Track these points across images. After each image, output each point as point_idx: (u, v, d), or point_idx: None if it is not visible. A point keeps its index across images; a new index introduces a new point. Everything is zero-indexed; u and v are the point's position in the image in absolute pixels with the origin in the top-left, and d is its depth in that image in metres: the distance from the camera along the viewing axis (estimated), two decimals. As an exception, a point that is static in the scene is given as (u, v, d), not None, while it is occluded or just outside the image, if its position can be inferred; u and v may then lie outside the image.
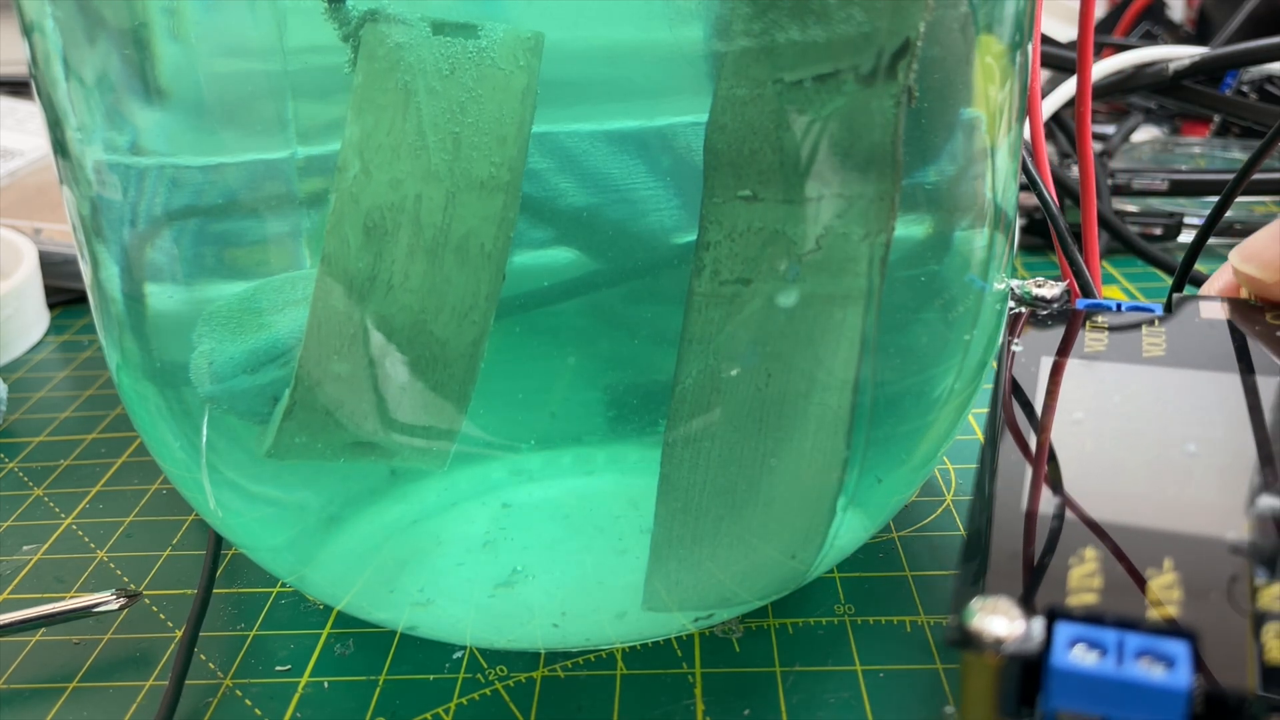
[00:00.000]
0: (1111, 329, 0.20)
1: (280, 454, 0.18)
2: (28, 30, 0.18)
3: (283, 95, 0.17)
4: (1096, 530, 0.15)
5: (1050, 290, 0.22)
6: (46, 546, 0.28)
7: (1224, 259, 0.43)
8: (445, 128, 0.16)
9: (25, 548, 0.28)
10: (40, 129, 0.49)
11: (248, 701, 0.22)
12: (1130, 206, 0.43)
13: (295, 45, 0.16)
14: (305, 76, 0.17)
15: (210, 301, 0.19)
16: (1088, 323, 0.21)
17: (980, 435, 0.30)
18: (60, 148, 0.19)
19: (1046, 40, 0.46)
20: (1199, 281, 0.37)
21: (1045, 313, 0.21)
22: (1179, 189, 0.41)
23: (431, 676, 0.22)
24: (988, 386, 0.27)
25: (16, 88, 0.60)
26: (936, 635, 0.22)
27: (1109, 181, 0.42)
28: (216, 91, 0.17)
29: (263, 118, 0.17)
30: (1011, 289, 0.22)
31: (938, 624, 0.23)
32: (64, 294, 0.44)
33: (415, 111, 0.15)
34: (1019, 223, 0.44)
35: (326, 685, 0.22)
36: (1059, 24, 0.55)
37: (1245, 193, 0.41)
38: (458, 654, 0.23)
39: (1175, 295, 0.22)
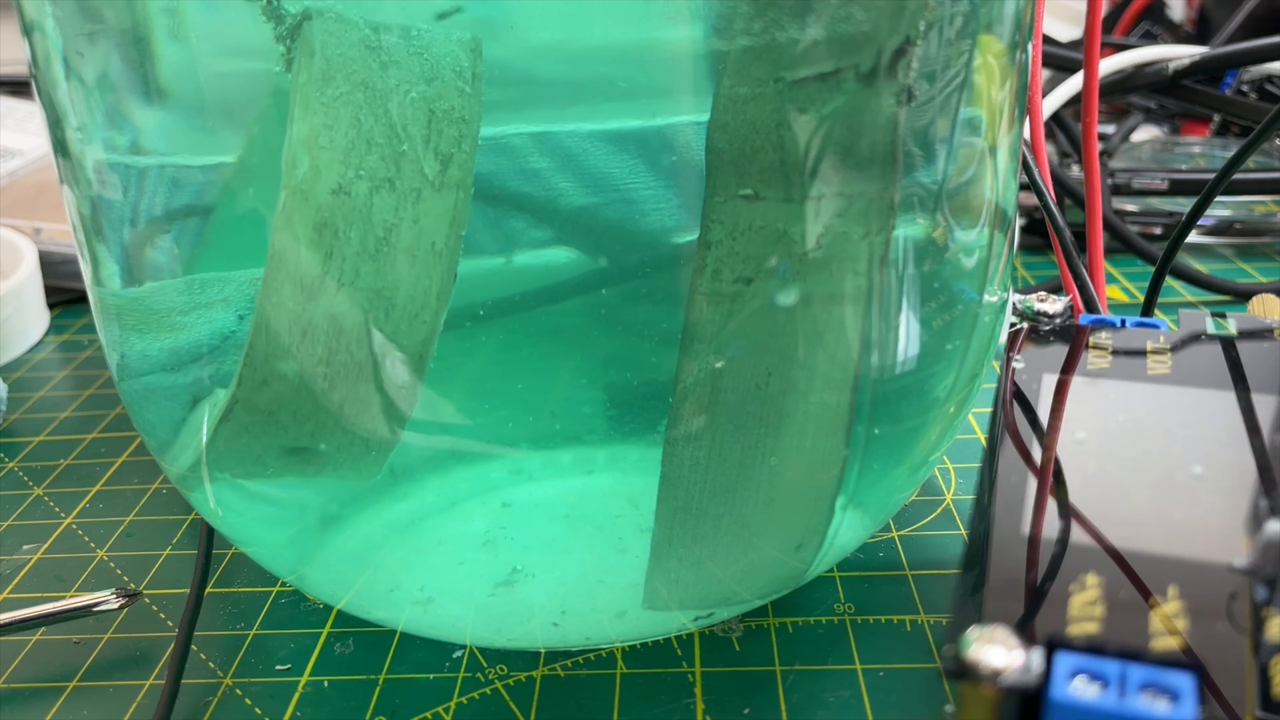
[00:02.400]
0: (1115, 346, 0.20)
1: (221, 447, 0.18)
2: (28, 30, 0.18)
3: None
4: (1099, 555, 0.14)
5: (1053, 305, 0.21)
6: (46, 546, 0.28)
7: (1225, 259, 0.43)
8: (393, 126, 0.16)
9: (25, 547, 0.28)
10: (40, 129, 0.49)
11: (248, 701, 0.22)
12: (1130, 206, 0.43)
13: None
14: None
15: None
16: (1091, 339, 0.20)
17: (981, 435, 0.30)
18: (60, 147, 0.19)
19: (1047, 40, 0.46)
20: (1187, 276, 0.37)
21: (1047, 328, 0.21)
22: (1179, 189, 0.41)
23: (431, 675, 0.22)
24: (989, 386, 0.27)
25: (16, 88, 0.60)
26: (936, 635, 0.22)
27: (1109, 181, 0.42)
28: (216, 91, 0.17)
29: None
30: (1013, 304, 0.21)
31: (938, 623, 0.23)
32: (64, 294, 0.44)
33: (362, 109, 0.15)
34: (1019, 222, 0.44)
35: (326, 684, 0.22)
36: (1059, 24, 0.55)
37: (1245, 192, 0.41)
38: (458, 653, 0.23)
39: (1183, 310, 0.22)
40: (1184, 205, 0.43)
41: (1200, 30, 0.58)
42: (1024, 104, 0.21)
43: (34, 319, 0.41)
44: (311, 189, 0.16)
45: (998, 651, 0.12)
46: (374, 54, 0.15)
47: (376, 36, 0.15)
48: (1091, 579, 0.14)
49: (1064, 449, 0.17)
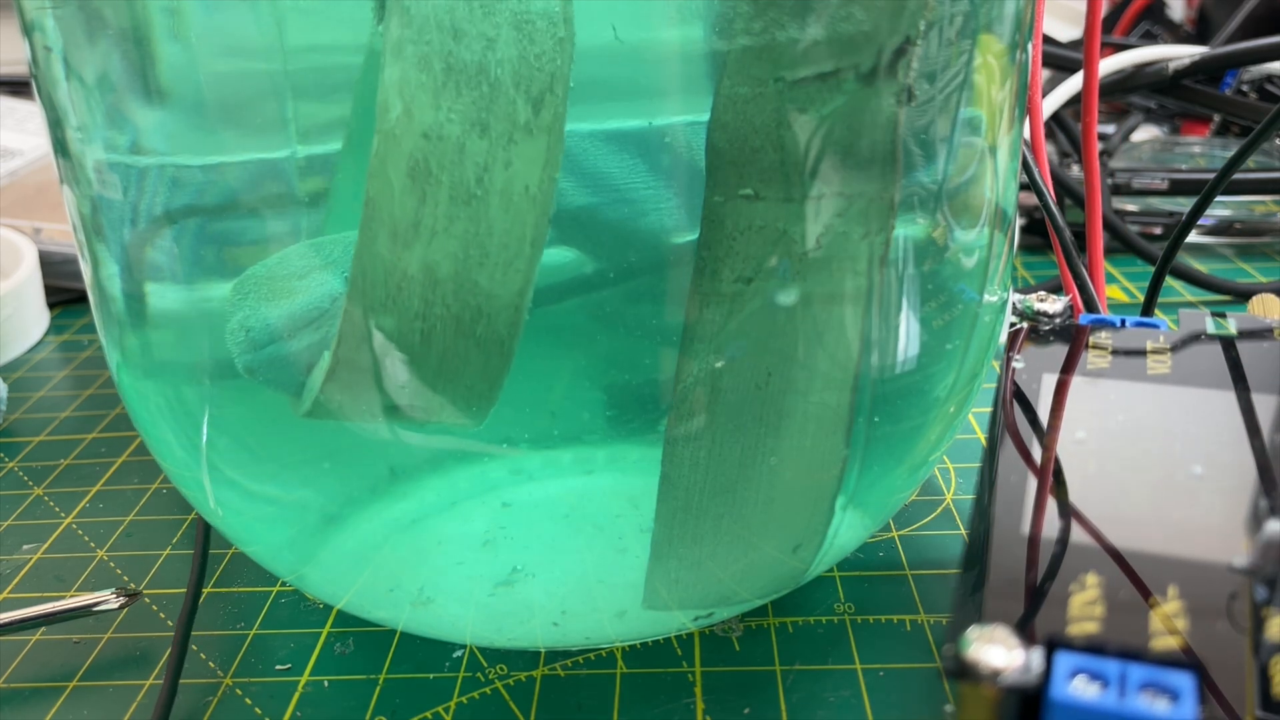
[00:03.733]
0: (1115, 346, 0.20)
1: (319, 414, 0.18)
2: (28, 30, 0.18)
3: (283, 95, 0.17)
4: (1099, 555, 0.14)
5: (1053, 305, 0.21)
6: (46, 546, 0.28)
7: (1226, 259, 0.43)
8: (484, 70, 0.15)
9: (25, 547, 0.28)
10: (40, 129, 0.49)
11: (248, 700, 0.22)
12: (1130, 206, 0.43)
13: (295, 45, 0.16)
14: (305, 76, 0.17)
15: (209, 299, 0.19)
16: (1091, 339, 0.20)
17: (981, 435, 0.30)
18: (60, 147, 0.19)
19: (1047, 40, 0.46)
20: (1187, 276, 0.37)
21: (1047, 328, 0.21)
22: (1179, 189, 0.41)
23: (431, 675, 0.22)
24: (988, 386, 0.27)
25: (16, 88, 0.60)
26: (936, 634, 0.22)
27: (1109, 181, 0.42)
28: (216, 91, 0.17)
29: (263, 117, 0.17)
30: (1013, 304, 0.21)
31: (938, 623, 0.23)
32: (64, 294, 0.44)
33: (453, 54, 0.15)
34: (1019, 222, 0.44)
35: (326, 684, 0.22)
36: (1059, 24, 0.55)
37: (1245, 192, 0.41)
38: (458, 653, 0.23)
39: (1182, 310, 0.22)
40: (1184, 205, 0.43)
41: (1200, 30, 0.58)
42: (1024, 104, 0.21)
43: (34, 319, 0.41)
44: (404, 132, 0.15)
45: (998, 651, 0.12)
46: (464, 1, 0.15)
47: None
48: (1091, 579, 0.14)
49: (1064, 449, 0.17)
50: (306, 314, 0.18)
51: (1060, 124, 0.45)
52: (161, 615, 0.25)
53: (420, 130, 0.15)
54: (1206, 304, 0.38)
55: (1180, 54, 0.41)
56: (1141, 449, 0.17)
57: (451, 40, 0.15)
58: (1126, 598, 0.13)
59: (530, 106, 0.16)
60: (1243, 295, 0.37)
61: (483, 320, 0.16)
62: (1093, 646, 0.13)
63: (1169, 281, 0.39)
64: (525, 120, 0.16)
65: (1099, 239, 0.26)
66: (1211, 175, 0.42)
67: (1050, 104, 0.41)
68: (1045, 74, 0.46)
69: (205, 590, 0.25)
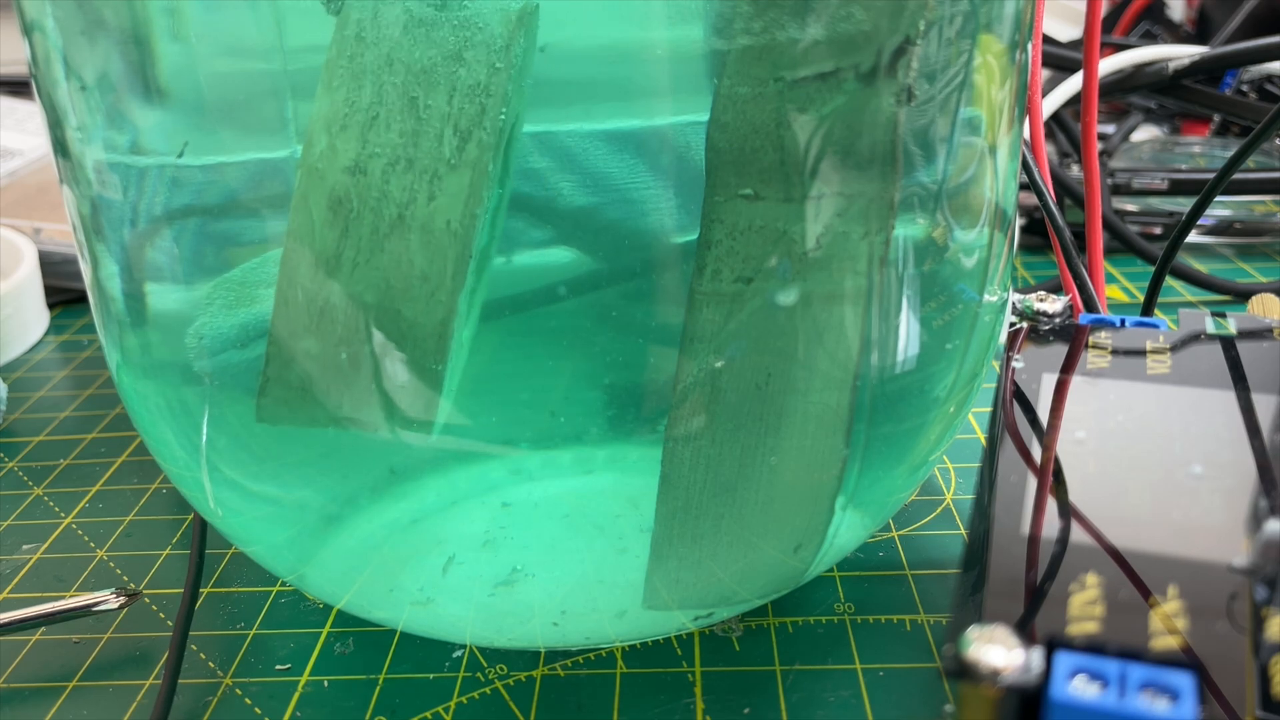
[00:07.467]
0: (1115, 345, 0.20)
1: (269, 420, 0.18)
2: (28, 30, 0.18)
3: (283, 95, 0.17)
4: (1099, 555, 0.14)
5: (1052, 305, 0.21)
6: (46, 546, 0.28)
7: (1226, 259, 0.43)
8: (414, 103, 0.15)
9: (25, 547, 0.28)
10: (40, 129, 0.49)
11: (247, 700, 0.22)
12: (1130, 206, 0.43)
13: (295, 45, 0.16)
14: (305, 76, 0.17)
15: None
16: (1091, 339, 0.20)
17: (981, 435, 0.30)
18: (60, 147, 0.19)
19: (1047, 40, 0.46)
20: (1187, 276, 0.37)
21: (1047, 328, 0.21)
22: (1179, 188, 0.41)
23: (431, 675, 0.22)
24: (988, 386, 0.27)
25: (16, 88, 0.60)
26: (936, 635, 0.22)
27: (1109, 181, 0.42)
28: (217, 91, 0.17)
29: (263, 117, 0.17)
30: (1013, 304, 0.21)
31: (938, 623, 0.23)
32: (64, 294, 0.44)
33: (383, 86, 0.15)
34: (1019, 222, 0.44)
35: (326, 684, 0.22)
36: (1059, 24, 0.55)
37: (1245, 192, 0.41)
38: (458, 653, 0.23)
39: (1182, 310, 0.22)
40: (1184, 205, 0.43)
41: (1200, 30, 0.58)
42: (1024, 104, 0.21)
43: (34, 319, 0.41)
44: (327, 167, 0.16)
45: (998, 651, 0.12)
46: (405, 29, 0.15)
47: (414, 10, 0.15)
48: (1091, 579, 0.14)
49: (1064, 449, 0.17)
50: (260, 325, 0.18)
51: (1060, 124, 0.45)
52: (161, 615, 0.25)
53: (343, 165, 0.15)
54: (1206, 304, 0.38)
55: (1180, 54, 0.41)
56: (1141, 449, 0.17)
57: (385, 71, 0.15)
58: (1126, 598, 0.13)
59: (457, 140, 0.16)
60: (1243, 295, 0.37)
61: (407, 345, 0.17)
62: (1093, 646, 0.13)
63: (1169, 281, 0.39)
64: (450, 155, 0.16)
65: (1099, 239, 0.26)
66: (1211, 175, 0.42)
67: (1050, 104, 0.41)
68: (1045, 74, 0.46)
69: (205, 590, 0.25)
